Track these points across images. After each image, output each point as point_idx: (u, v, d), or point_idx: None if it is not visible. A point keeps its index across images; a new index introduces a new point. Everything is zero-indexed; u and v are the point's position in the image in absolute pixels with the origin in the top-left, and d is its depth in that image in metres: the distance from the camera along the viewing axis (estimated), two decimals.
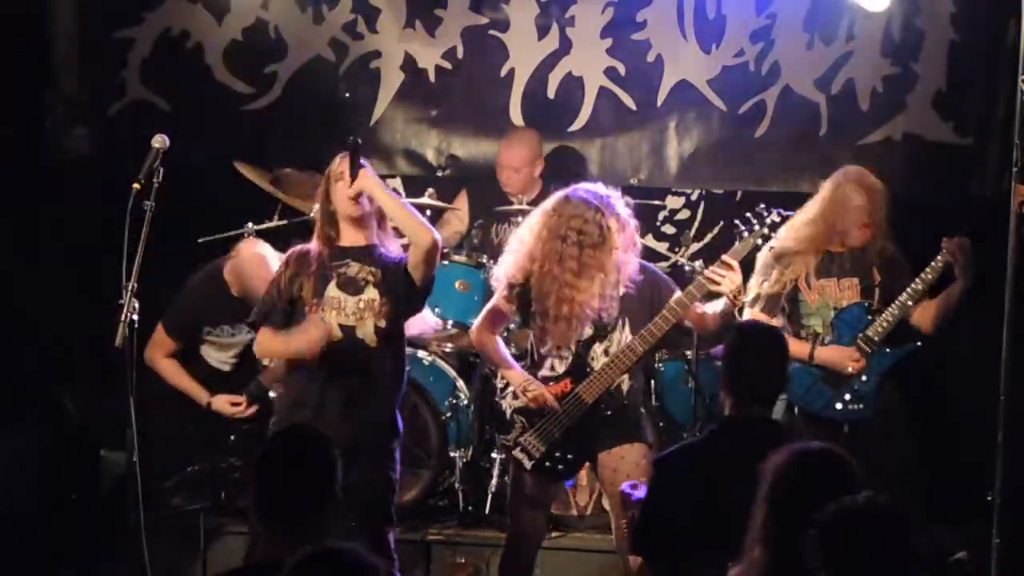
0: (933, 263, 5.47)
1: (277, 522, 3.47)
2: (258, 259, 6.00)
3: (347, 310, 5.04)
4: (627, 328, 5.05)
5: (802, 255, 5.50)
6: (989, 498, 5.25)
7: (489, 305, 5.28)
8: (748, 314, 5.54)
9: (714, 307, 5.11)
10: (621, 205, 5.08)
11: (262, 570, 3.44)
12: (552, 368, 5.10)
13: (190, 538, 6.07)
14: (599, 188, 5.11)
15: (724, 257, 5.03)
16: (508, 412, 5.13)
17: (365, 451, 4.91)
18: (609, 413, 5.04)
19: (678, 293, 5.05)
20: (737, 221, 5.17)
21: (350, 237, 5.14)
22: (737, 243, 5.12)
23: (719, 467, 3.95)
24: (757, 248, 5.12)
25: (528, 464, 5.10)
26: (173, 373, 6.09)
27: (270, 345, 5.19)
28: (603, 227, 4.97)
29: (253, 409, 5.98)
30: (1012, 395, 5.06)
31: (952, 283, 5.54)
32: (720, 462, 3.97)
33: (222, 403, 6.03)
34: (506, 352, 5.27)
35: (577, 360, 5.06)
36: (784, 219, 5.16)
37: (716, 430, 4.22)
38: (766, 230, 5.10)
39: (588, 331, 5.06)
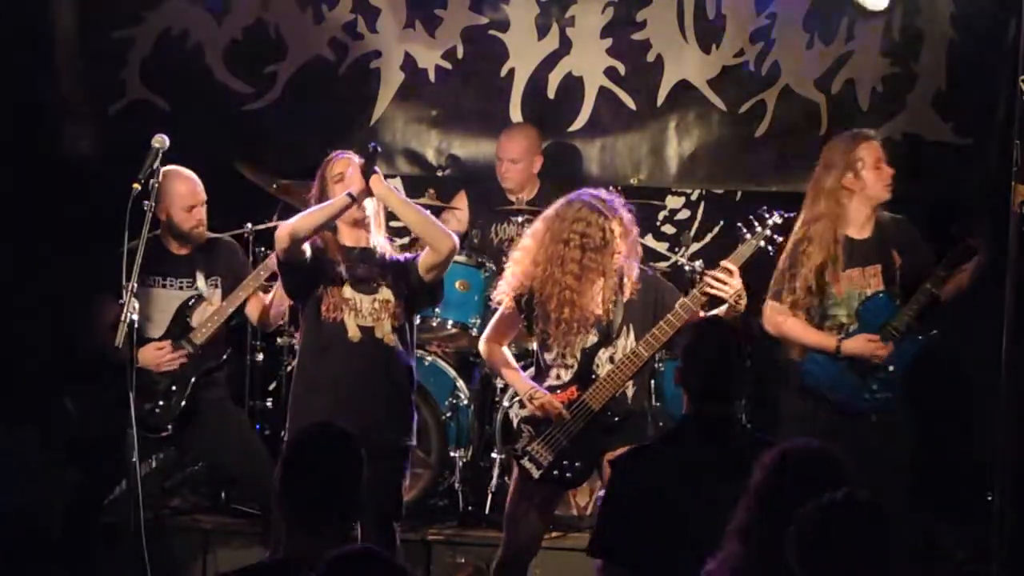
0: (955, 250, 5.45)
1: (304, 522, 3.47)
2: (170, 171, 5.72)
3: (364, 311, 5.06)
4: (632, 335, 5.06)
5: (819, 239, 5.48)
6: (989, 498, 5.25)
7: (496, 316, 5.28)
8: (770, 310, 5.54)
9: (716, 313, 5.10)
10: (624, 210, 5.08)
11: (287, 567, 3.45)
12: (558, 377, 5.10)
13: (190, 538, 6.07)
14: (602, 193, 5.11)
15: (724, 263, 5.03)
16: (515, 421, 5.12)
17: (382, 449, 4.89)
18: (616, 419, 5.04)
19: (682, 298, 5.05)
20: (740, 224, 5.16)
21: (350, 237, 5.14)
22: (740, 246, 5.11)
23: (675, 466, 3.95)
24: (760, 250, 5.10)
25: (536, 473, 5.07)
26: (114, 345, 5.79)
27: (297, 220, 5.02)
28: (606, 231, 4.98)
29: (179, 355, 5.81)
30: (1012, 395, 5.07)
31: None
32: (676, 461, 3.98)
33: (148, 353, 5.70)
34: (513, 362, 5.28)
35: (582, 368, 5.06)
36: (786, 220, 5.15)
37: (673, 429, 4.22)
38: (768, 232, 5.08)
39: (593, 338, 5.05)
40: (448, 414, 6.44)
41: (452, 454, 6.37)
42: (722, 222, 7.26)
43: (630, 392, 5.08)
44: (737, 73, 7.14)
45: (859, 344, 5.42)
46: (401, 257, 5.15)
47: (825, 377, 5.46)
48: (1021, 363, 5.07)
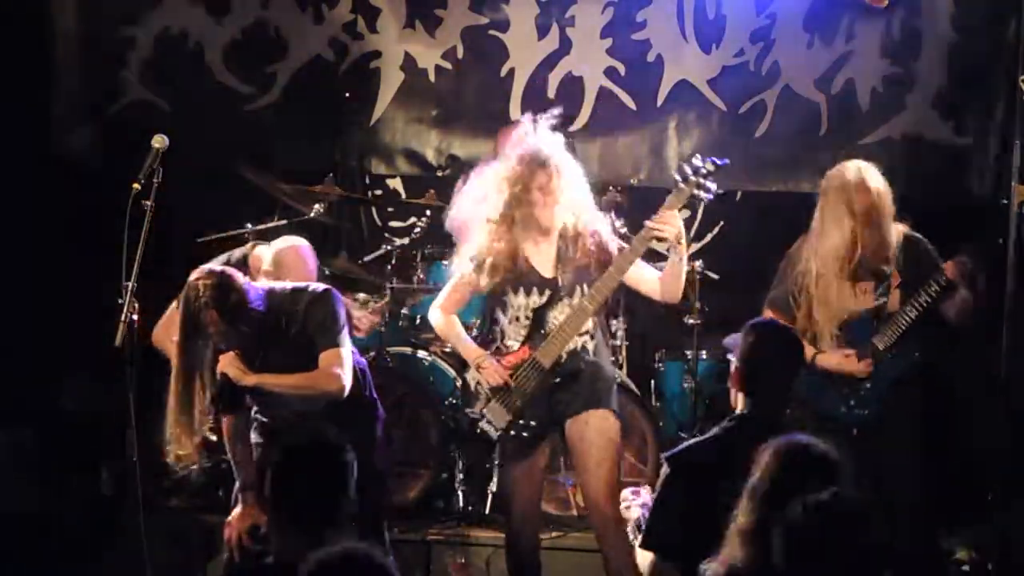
0: (935, 278, 5.41)
1: (293, 522, 3.47)
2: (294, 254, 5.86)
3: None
4: (583, 294, 5.07)
5: (825, 255, 5.45)
6: (989, 498, 5.26)
7: (451, 284, 5.27)
8: (766, 314, 5.55)
9: (666, 265, 5.09)
10: (564, 153, 5.06)
11: (278, 570, 3.45)
12: (512, 338, 5.13)
13: (190, 538, 6.07)
14: (531, 136, 5.08)
15: (659, 210, 4.99)
16: (472, 384, 5.16)
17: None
18: (568, 375, 5.06)
19: (624, 248, 5.03)
20: (675, 173, 5.09)
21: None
22: (672, 195, 5.00)
23: (730, 464, 3.95)
24: (693, 198, 5.03)
25: (494, 434, 5.14)
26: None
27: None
28: (530, 185, 5.00)
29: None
30: (1012, 395, 5.07)
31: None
32: (731, 459, 3.98)
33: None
34: (462, 331, 5.29)
35: (534, 327, 5.09)
36: (719, 168, 5.06)
37: (727, 427, 4.23)
38: (701, 179, 5.00)
39: (542, 299, 5.08)
40: (448, 414, 6.44)
41: (452, 454, 6.37)
42: (722, 222, 7.26)
43: (590, 347, 5.09)
44: (737, 73, 7.14)
45: (834, 360, 5.41)
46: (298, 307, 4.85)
47: (805, 385, 5.47)
48: (1020, 363, 5.07)
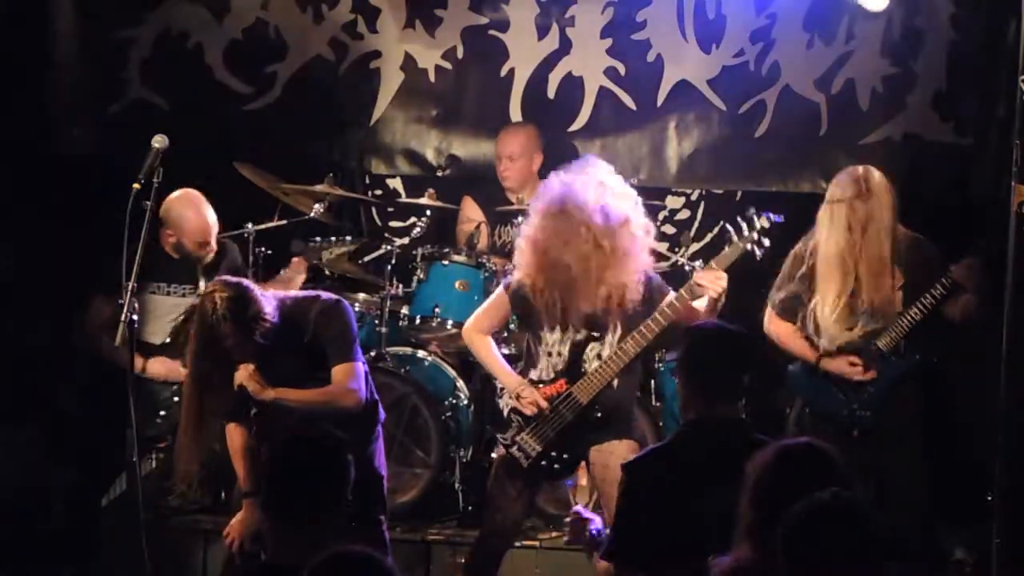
0: (941, 281, 5.41)
1: (290, 525, 3.47)
2: (187, 199, 5.86)
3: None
4: (619, 331, 5.06)
5: (831, 258, 5.48)
6: (989, 498, 5.26)
7: (487, 304, 5.29)
8: (767, 317, 5.57)
9: (700, 303, 5.09)
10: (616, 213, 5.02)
11: (276, 571, 3.45)
12: (546, 370, 5.12)
13: (190, 538, 6.07)
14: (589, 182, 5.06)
15: (712, 263, 5.03)
16: (505, 411, 5.15)
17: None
18: (600, 415, 5.07)
19: (671, 296, 5.04)
20: (727, 225, 5.13)
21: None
22: (726, 248, 5.07)
23: (688, 469, 3.97)
24: (747, 253, 5.06)
25: (525, 463, 5.13)
26: (108, 345, 5.63)
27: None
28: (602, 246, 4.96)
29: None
30: (1012, 395, 5.07)
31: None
32: (689, 464, 3.99)
33: (157, 366, 5.86)
34: (499, 354, 5.30)
35: (572, 361, 5.08)
36: (774, 225, 5.11)
37: (682, 432, 4.21)
38: (755, 235, 5.05)
39: (581, 335, 5.06)
40: (448, 414, 6.44)
41: (452, 454, 6.37)
42: (722, 222, 7.23)
43: (616, 384, 5.09)
44: (737, 73, 7.14)
45: (840, 365, 5.43)
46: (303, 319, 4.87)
47: (808, 387, 5.48)
48: (1020, 362, 5.07)
